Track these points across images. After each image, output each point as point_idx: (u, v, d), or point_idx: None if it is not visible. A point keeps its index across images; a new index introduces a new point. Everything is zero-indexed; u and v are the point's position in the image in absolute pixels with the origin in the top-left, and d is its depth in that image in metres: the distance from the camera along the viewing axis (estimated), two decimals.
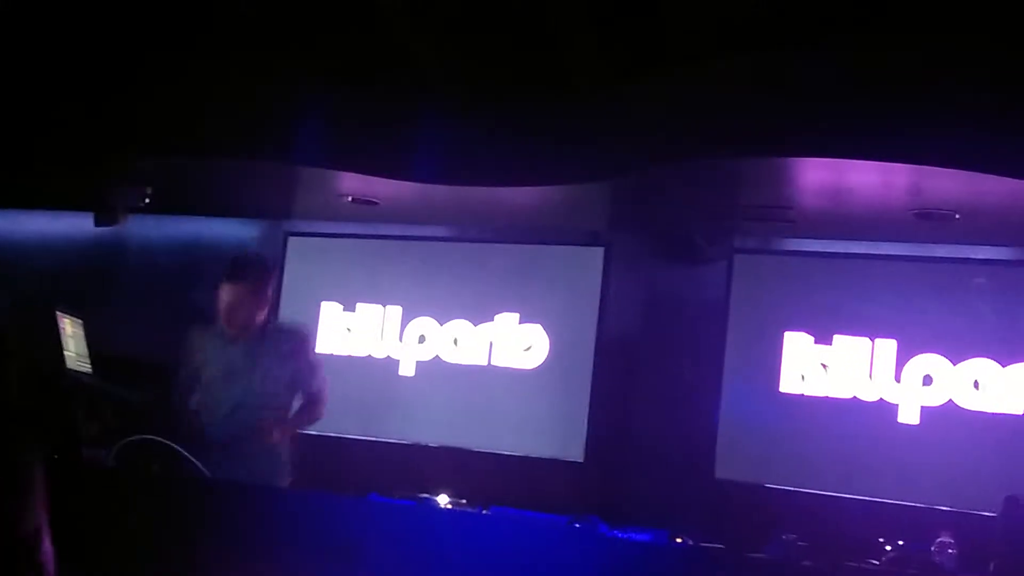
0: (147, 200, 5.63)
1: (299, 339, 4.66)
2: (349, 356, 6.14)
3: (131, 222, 5.95)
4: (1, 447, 0.79)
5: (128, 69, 5.29)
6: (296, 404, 4.61)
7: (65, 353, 4.84)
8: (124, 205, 5.70)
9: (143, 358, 5.63)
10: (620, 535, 4.11)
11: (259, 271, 4.58)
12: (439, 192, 5.28)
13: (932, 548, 4.09)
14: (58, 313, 4.89)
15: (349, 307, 6.21)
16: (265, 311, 4.54)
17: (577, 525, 4.12)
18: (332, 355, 6.12)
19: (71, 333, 4.97)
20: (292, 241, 6.38)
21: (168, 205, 5.99)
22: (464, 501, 4.60)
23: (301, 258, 6.35)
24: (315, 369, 4.61)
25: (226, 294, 4.47)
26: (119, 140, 5.40)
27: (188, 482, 3.97)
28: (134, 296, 6.49)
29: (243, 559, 4.09)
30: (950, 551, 4.02)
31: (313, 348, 4.77)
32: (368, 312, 6.17)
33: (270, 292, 4.62)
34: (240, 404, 4.46)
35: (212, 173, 5.83)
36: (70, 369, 4.77)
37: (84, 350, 5.07)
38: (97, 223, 5.74)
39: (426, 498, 4.49)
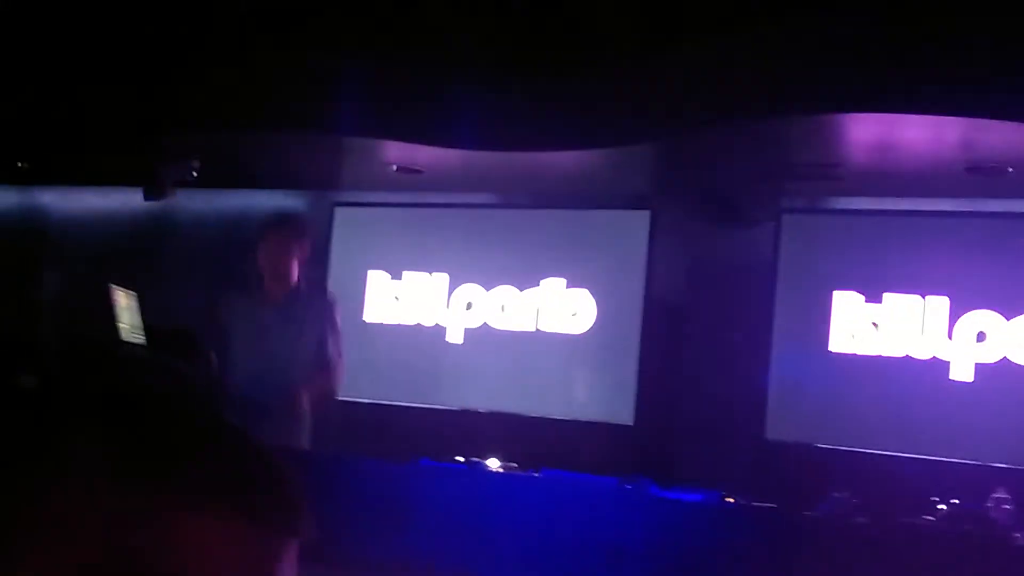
0: (195, 174, 5.68)
1: (329, 303, 4.77)
2: (397, 324, 6.18)
3: (180, 196, 6.02)
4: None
5: (174, 45, 5.34)
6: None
7: (119, 325, 4.93)
8: (173, 180, 5.76)
9: (194, 330, 5.71)
10: (671, 495, 4.12)
11: (298, 225, 4.70)
12: (483, 159, 5.29)
13: (987, 504, 4.05)
14: (112, 286, 4.98)
15: (396, 275, 6.24)
16: (299, 271, 4.64)
17: (628, 486, 4.14)
18: (381, 324, 6.17)
19: (125, 306, 5.06)
20: (339, 211, 6.42)
21: (216, 179, 6.04)
22: (515, 465, 4.63)
23: (348, 228, 6.39)
24: (337, 336, 4.69)
25: (267, 247, 4.59)
26: (167, 115, 5.46)
27: None
28: (185, 270, 6.57)
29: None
30: (1005, 507, 3.98)
31: (338, 315, 4.83)
32: (415, 280, 6.21)
33: (307, 251, 4.71)
34: (270, 365, 4.56)
35: (258, 146, 5.88)
36: (124, 341, 4.87)
37: (138, 322, 5.15)
38: (146, 198, 5.81)
39: (477, 462, 4.52)
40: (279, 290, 4.66)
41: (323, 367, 4.69)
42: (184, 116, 5.41)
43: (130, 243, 6.59)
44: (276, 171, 6.29)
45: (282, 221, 4.81)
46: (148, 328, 5.15)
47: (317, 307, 4.75)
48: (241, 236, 6.50)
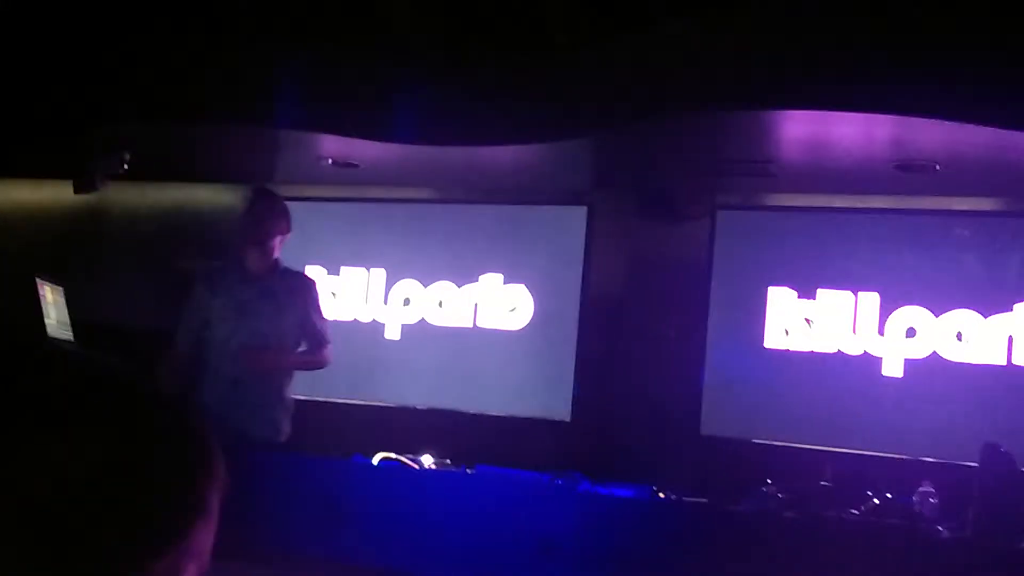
0: (126, 167, 5.59)
1: (309, 283, 4.78)
2: (335, 320, 6.12)
3: (112, 190, 5.92)
4: None
5: (104, 36, 5.24)
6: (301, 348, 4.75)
7: (46, 321, 4.83)
8: (103, 173, 5.66)
9: (126, 326, 5.62)
10: (603, 491, 4.12)
11: (282, 203, 4.68)
12: (419, 153, 5.26)
13: (913, 498, 4.10)
14: (39, 280, 4.88)
15: (333, 271, 6.19)
16: (279, 248, 4.66)
17: (559, 482, 4.13)
18: None
19: (52, 300, 4.97)
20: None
21: (149, 172, 5.95)
22: (448, 461, 4.61)
23: None
24: (322, 315, 4.78)
25: (250, 221, 4.61)
26: (97, 107, 5.36)
27: None
28: (116, 264, 6.47)
29: (227, 517, 4.12)
30: (931, 500, 4.04)
31: (319, 295, 4.88)
32: (352, 276, 6.16)
33: (288, 227, 4.73)
34: (249, 340, 4.57)
35: (192, 138, 5.80)
36: (51, 337, 4.77)
37: (66, 318, 5.06)
38: (76, 191, 5.71)
39: (411, 459, 4.49)
40: (261, 266, 4.66)
41: (315, 344, 4.72)
42: (113, 108, 5.32)
43: (61, 237, 6.47)
44: (210, 165, 6.21)
45: (267, 195, 4.79)
46: (77, 323, 5.06)
47: (299, 286, 4.76)
48: (176, 230, 6.42)
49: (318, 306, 4.81)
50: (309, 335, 4.77)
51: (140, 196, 6.50)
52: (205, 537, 0.83)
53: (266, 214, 4.68)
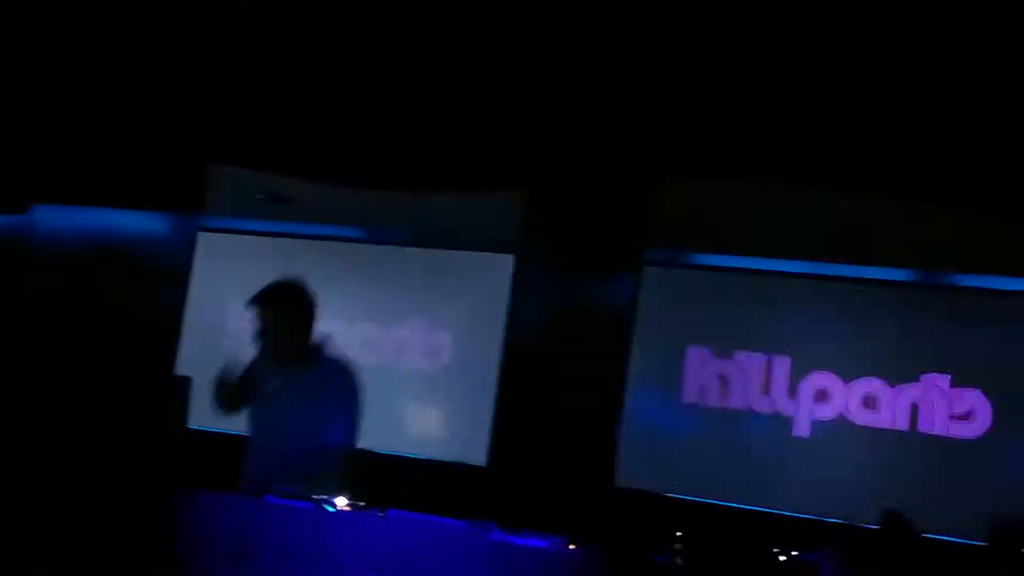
0: (58, 190, 5.54)
1: (350, 381, 4.46)
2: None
3: (38, 211, 5.85)
4: None
5: (40, 56, 5.22)
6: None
7: None
8: (31, 194, 5.61)
9: (45, 353, 5.54)
10: (516, 540, 4.15)
11: (285, 293, 4.45)
12: (352, 193, 5.29)
13: (817, 558, 4.20)
14: None
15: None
16: (308, 336, 4.41)
17: (472, 529, 4.16)
18: (237, 353, 6.07)
19: None
20: (203, 237, 6.32)
21: (77, 195, 5.90)
22: (363, 503, 4.60)
23: (212, 255, 6.29)
24: (354, 419, 4.43)
25: (256, 317, 4.40)
26: (32, 128, 5.32)
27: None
28: (41, 287, 6.37)
29: (137, 557, 4.06)
30: (833, 562, 4.13)
31: (359, 394, 4.51)
32: None
33: (309, 316, 4.46)
34: (272, 432, 4.40)
35: (125, 165, 5.76)
36: None
37: None
38: (2, 212, 5.63)
39: (323, 499, 4.48)
40: (288, 355, 4.47)
41: (330, 458, 4.48)
42: (48, 131, 5.29)
43: None
44: (141, 191, 6.17)
45: (267, 291, 4.54)
46: None
47: (337, 381, 4.46)
48: (102, 256, 6.35)
49: (350, 408, 4.42)
50: (331, 439, 4.48)
51: (66, 219, 6.42)
52: None
53: (266, 312, 4.40)
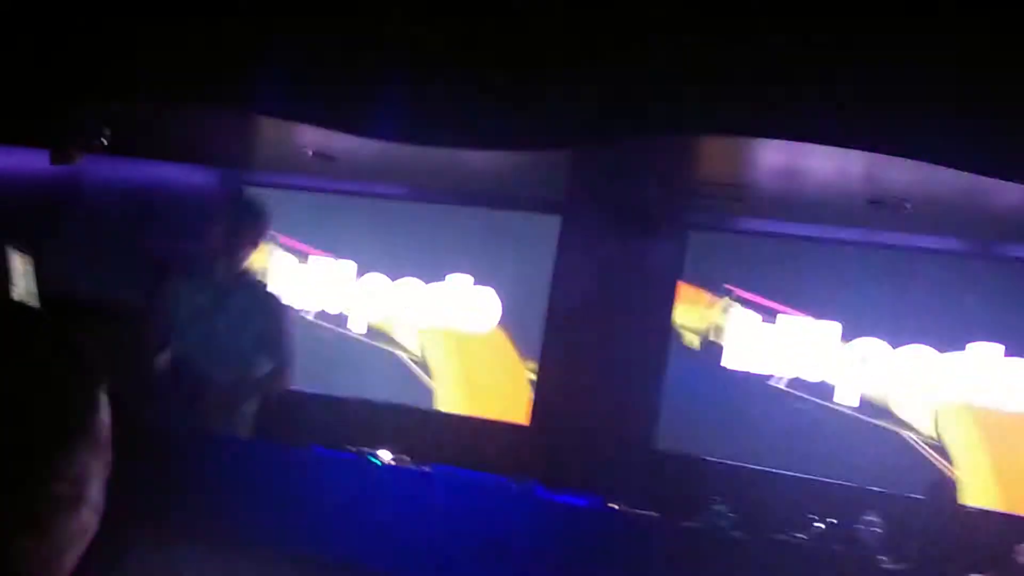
0: (105, 142, 5.57)
1: (276, 299, 4.65)
2: (300, 310, 6.15)
3: (88, 162, 5.90)
4: None
5: (89, 11, 5.23)
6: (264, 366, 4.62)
7: (13, 289, 4.82)
8: (81, 145, 5.64)
9: (93, 301, 5.61)
10: (556, 498, 4.18)
11: (254, 211, 4.61)
12: (398, 150, 5.29)
13: (858, 526, 4.20)
14: (7, 249, 4.87)
15: (302, 259, 6.21)
16: (248, 258, 4.59)
17: (514, 487, 4.19)
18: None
19: (22, 271, 4.95)
20: (248, 191, 6.35)
21: (126, 148, 5.93)
22: (407, 458, 4.65)
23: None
24: (288, 337, 4.60)
25: (220, 229, 4.53)
26: (78, 82, 5.35)
27: (128, 430, 3.99)
28: (87, 238, 6.44)
29: (184, 505, 4.12)
30: (875, 530, 4.13)
31: (287, 316, 4.72)
32: (320, 265, 6.18)
33: (261, 237, 4.72)
34: (209, 349, 4.50)
35: (171, 119, 5.79)
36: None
37: (34, 289, 5.05)
38: (53, 161, 5.68)
39: (368, 452, 4.53)
40: (226, 274, 4.56)
41: (274, 372, 4.60)
42: (95, 86, 5.31)
43: (32, 206, 6.43)
44: (188, 145, 6.20)
45: (238, 205, 4.73)
46: (43, 295, 5.04)
47: (263, 300, 4.62)
48: (148, 208, 6.40)
49: (281, 327, 4.66)
50: (270, 359, 4.66)
51: (115, 171, 6.47)
52: (93, 468, 0.90)
53: (234, 226, 4.58)
